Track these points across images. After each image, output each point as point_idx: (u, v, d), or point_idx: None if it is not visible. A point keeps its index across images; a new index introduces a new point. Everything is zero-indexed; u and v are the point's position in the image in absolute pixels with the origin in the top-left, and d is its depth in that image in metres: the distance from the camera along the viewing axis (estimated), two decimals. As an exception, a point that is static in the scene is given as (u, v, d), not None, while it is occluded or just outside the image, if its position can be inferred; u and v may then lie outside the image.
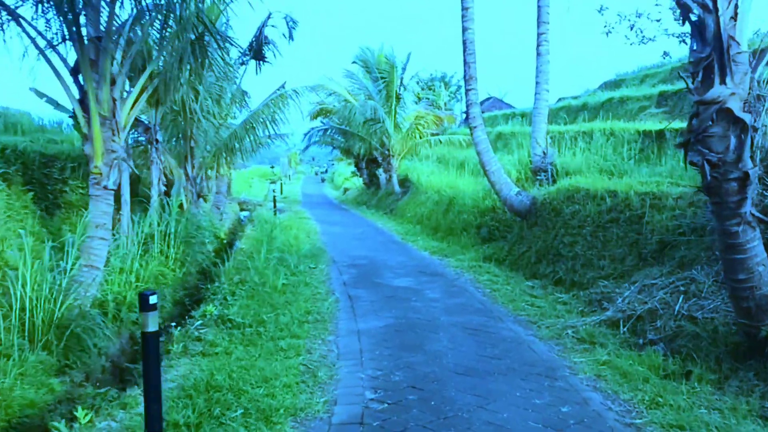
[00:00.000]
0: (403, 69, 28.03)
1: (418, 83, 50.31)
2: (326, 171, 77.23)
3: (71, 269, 7.63)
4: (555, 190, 11.97)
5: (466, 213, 16.12)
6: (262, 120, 17.27)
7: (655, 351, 6.73)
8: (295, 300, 9.22)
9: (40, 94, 12.21)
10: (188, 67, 9.66)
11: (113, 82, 8.50)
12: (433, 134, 30.13)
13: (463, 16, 12.98)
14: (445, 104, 57.63)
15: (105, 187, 8.38)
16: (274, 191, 26.30)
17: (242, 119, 17.27)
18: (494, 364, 6.38)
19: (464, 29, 13.01)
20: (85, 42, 8.12)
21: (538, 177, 14.64)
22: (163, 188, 13.14)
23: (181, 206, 15.32)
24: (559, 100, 36.01)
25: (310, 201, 38.08)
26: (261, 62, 23.04)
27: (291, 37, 23.24)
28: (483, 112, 54.48)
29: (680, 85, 23.20)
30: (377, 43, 29.60)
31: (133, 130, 13.46)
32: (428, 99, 52.42)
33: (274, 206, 24.16)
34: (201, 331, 7.69)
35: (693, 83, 5.86)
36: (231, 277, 11.25)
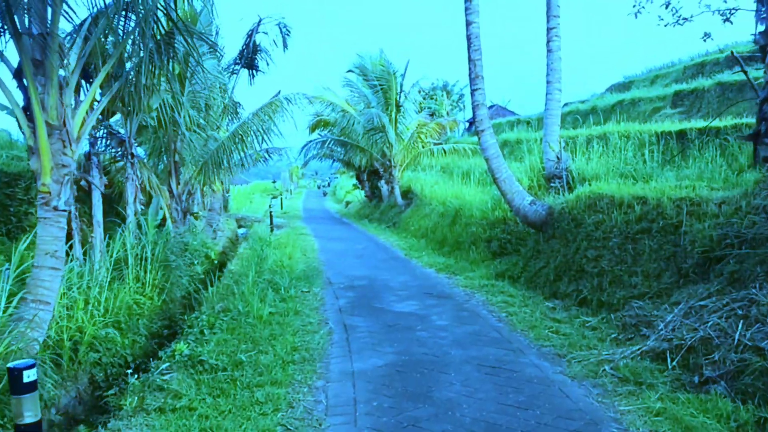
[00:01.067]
0: (403, 76, 26.85)
1: (419, 92, 49.20)
2: (328, 184, 76.16)
3: (5, 307, 6.41)
4: (574, 198, 10.72)
5: (474, 225, 14.86)
6: (253, 131, 16.04)
7: (717, 392, 5.46)
8: (281, 333, 7.97)
9: (1, 106, 11.02)
10: (156, 70, 8.44)
11: (64, 86, 7.32)
12: (435, 143, 28.94)
13: (466, 9, 11.79)
14: (447, 113, 56.58)
15: (55, 208, 7.17)
16: (270, 206, 25.07)
17: (231, 131, 16.04)
18: (521, 418, 5.10)
19: (468, 23, 11.82)
20: (27, 39, 6.95)
21: (552, 184, 13.40)
22: (141, 207, 11.94)
23: (163, 225, 14.13)
24: (565, 105, 34.86)
25: (311, 215, 36.86)
26: (253, 72, 22.02)
27: (285, 45, 22.19)
28: (487, 120, 52.49)
29: (696, 83, 22.01)
30: (375, 50, 28.33)
31: (108, 144, 12.29)
32: (430, 108, 51.44)
33: (271, 223, 22.96)
34: (166, 376, 6.44)
35: (765, 60, 4.62)
36: (213, 305, 10.02)
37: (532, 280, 10.78)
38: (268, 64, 21.84)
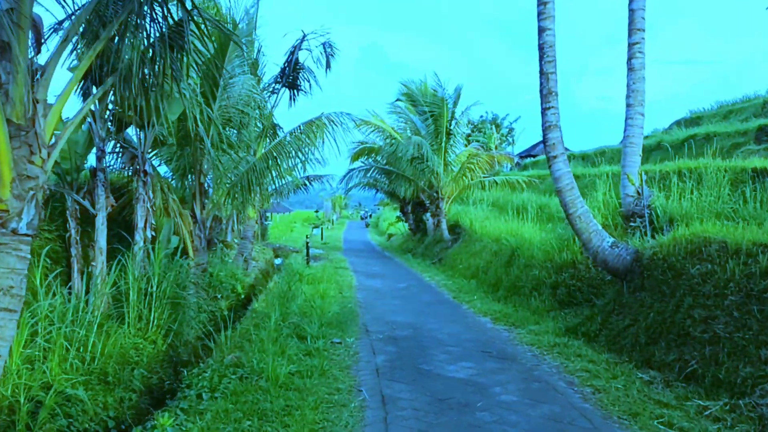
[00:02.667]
0: (454, 102, 25.11)
1: (468, 123, 47.29)
2: (371, 216, 74.79)
3: None
4: (670, 242, 8.68)
5: (535, 268, 12.85)
6: (291, 152, 14.33)
7: None
8: (299, 405, 6.11)
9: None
10: (160, 65, 6.83)
11: (31, 77, 5.76)
12: (483, 177, 27.01)
13: (539, 14, 10.02)
14: (495, 147, 54.74)
15: (14, 231, 5.53)
16: (307, 237, 23.41)
17: (263, 151, 14.40)
18: None
19: (541, 31, 10.03)
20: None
21: (632, 224, 11.38)
22: (153, 233, 10.34)
23: (180, 254, 12.52)
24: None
25: (352, 248, 35.20)
26: (295, 92, 20.60)
27: (328, 66, 20.76)
28: (535, 156, 50.31)
29: (786, 116, 19.66)
30: (423, 76, 26.76)
31: (120, 158, 10.80)
32: (478, 141, 49.69)
33: (307, 254, 21.28)
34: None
35: None
36: (224, 356, 8.27)
37: (616, 341, 8.71)
38: (311, 85, 20.44)
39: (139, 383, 7.95)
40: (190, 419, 5.64)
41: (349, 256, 27.54)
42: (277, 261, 28.09)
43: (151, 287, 9.05)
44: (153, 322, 9.09)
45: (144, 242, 10.08)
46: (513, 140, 62.38)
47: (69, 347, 7.18)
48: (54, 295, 7.63)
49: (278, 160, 13.76)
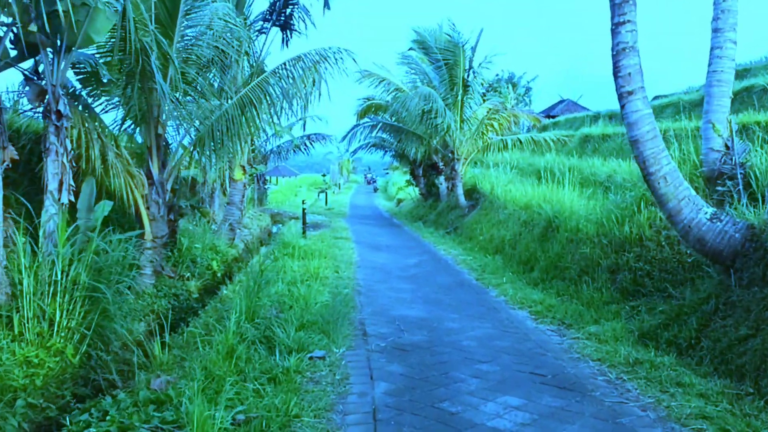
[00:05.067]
0: (473, 50, 21.96)
1: (482, 84, 43.84)
2: (375, 180, 72.25)
3: None
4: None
5: (584, 244, 10.04)
6: (274, 98, 11.40)
7: None
8: None
9: None
10: None
11: None
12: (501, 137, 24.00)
13: None
14: (512, 107, 51.50)
15: None
16: (304, 203, 20.58)
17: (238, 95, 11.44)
18: None
19: None
20: None
21: (718, 188, 8.53)
22: (73, 198, 7.58)
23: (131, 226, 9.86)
24: (664, 96, 29.47)
25: (357, 213, 32.50)
26: (288, 33, 17.74)
27: (327, 4, 17.91)
28: (554, 117, 46.78)
29: None
30: (436, 23, 23.45)
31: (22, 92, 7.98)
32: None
33: (303, 224, 18.53)
34: None
35: None
36: (150, 380, 5.57)
37: (726, 359, 5.91)
38: (306, 25, 17.53)
39: (20, 421, 5.32)
40: None
41: (353, 223, 24.84)
42: (275, 228, 25.50)
43: (55, 275, 6.35)
44: (60, 323, 6.42)
45: (60, 209, 7.34)
46: (530, 100, 59.06)
47: None
48: None
49: (256, 108, 10.90)
